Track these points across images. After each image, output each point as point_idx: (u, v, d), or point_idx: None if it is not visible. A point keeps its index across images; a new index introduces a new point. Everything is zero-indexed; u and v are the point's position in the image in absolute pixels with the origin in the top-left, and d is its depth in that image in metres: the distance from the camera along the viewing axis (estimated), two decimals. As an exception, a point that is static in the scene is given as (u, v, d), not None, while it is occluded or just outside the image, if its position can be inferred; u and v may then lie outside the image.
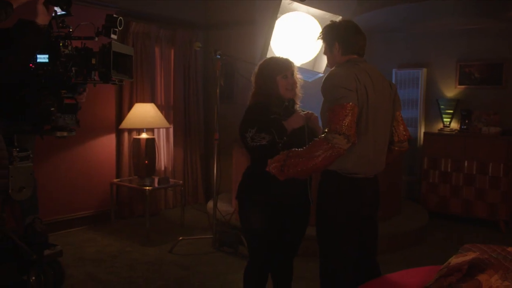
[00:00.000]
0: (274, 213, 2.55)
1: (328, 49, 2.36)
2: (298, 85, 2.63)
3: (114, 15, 2.52)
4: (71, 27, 2.50)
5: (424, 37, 6.29)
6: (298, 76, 2.63)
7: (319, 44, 4.31)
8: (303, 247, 2.85)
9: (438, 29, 6.11)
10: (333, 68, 2.29)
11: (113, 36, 2.52)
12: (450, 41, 6.07)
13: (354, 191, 2.25)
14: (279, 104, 2.55)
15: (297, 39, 4.19)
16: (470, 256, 1.82)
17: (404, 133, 2.45)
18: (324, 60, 4.34)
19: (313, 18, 4.26)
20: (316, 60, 4.41)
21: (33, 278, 3.05)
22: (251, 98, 2.64)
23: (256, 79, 2.62)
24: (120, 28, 2.53)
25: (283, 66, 2.57)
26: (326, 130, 2.09)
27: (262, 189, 2.51)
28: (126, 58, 2.59)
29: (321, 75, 4.29)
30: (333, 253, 2.28)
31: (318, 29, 4.24)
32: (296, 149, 2.16)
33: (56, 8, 2.36)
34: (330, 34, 2.33)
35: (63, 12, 2.40)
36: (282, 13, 4.18)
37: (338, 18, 4.26)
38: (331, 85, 2.15)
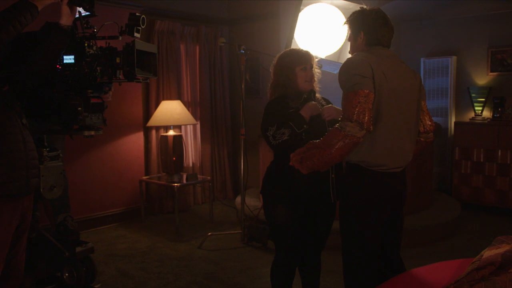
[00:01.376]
0: (298, 207, 2.53)
1: (353, 37, 2.30)
2: (316, 78, 2.61)
3: (137, 14, 2.53)
4: (95, 27, 2.53)
5: (452, 23, 6.12)
6: (317, 70, 2.62)
7: (343, 36, 4.26)
8: (333, 241, 2.83)
9: (467, 14, 5.93)
10: (349, 57, 2.22)
11: (136, 34, 2.54)
12: (480, 27, 5.88)
13: (377, 186, 2.19)
14: (298, 96, 2.54)
15: (321, 31, 4.14)
16: (503, 248, 1.76)
17: (430, 123, 2.37)
18: (349, 51, 4.29)
19: (337, 9, 4.20)
20: (341, 51, 4.34)
21: (66, 274, 3.12)
22: (270, 90, 2.65)
23: (275, 70, 2.61)
24: (143, 27, 2.55)
25: (303, 58, 2.55)
26: (340, 118, 2.05)
27: (286, 183, 2.49)
28: (150, 56, 2.60)
29: (346, 66, 4.23)
30: (356, 249, 2.23)
31: (342, 20, 4.17)
32: (315, 140, 2.12)
33: (80, 9, 2.39)
34: (357, 21, 2.27)
35: (88, 13, 2.43)
36: (306, 5, 4.13)
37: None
38: (345, 72, 2.09)
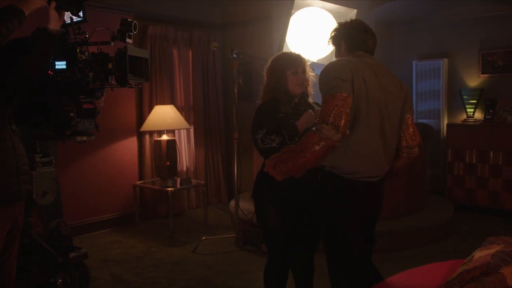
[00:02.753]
0: (289, 210, 2.54)
1: (336, 49, 2.33)
2: (310, 82, 2.62)
3: (129, 19, 2.54)
4: (87, 33, 2.54)
5: (444, 26, 6.17)
6: (310, 73, 2.61)
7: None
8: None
9: (458, 17, 5.98)
10: (326, 65, 2.21)
11: (128, 40, 2.55)
12: (471, 29, 5.93)
13: (348, 194, 2.15)
14: (289, 101, 2.54)
15: (313, 35, 4.16)
16: (494, 249, 1.77)
17: (414, 138, 2.28)
18: (341, 55, 4.32)
19: (328, 13, 4.22)
20: (333, 55, 4.35)
21: (60, 280, 3.11)
22: (262, 93, 2.66)
23: (267, 74, 2.62)
24: (135, 32, 2.56)
25: (294, 62, 2.55)
26: (318, 120, 2.03)
27: (276, 187, 2.48)
28: (142, 61, 2.61)
29: (338, 69, 4.25)
30: (338, 255, 2.21)
31: (333, 23, 4.20)
32: (291, 145, 2.12)
33: (72, 16, 2.39)
34: (337, 33, 2.31)
35: (80, 19, 2.43)
36: (297, 9, 4.15)
37: (353, 12, 4.24)
38: (325, 75, 2.09)
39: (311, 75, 2.62)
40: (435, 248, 4.27)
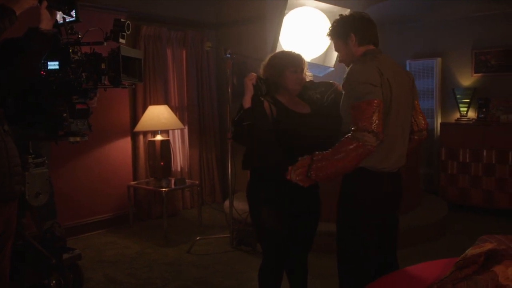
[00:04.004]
0: (284, 209, 2.52)
1: (343, 43, 2.28)
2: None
3: (122, 20, 2.53)
4: (80, 33, 2.53)
5: (437, 26, 6.19)
6: (308, 73, 2.60)
7: (328, 39, 4.30)
8: (319, 243, 2.84)
9: (451, 17, 6.01)
10: (354, 64, 2.20)
11: (121, 40, 2.54)
12: (464, 29, 5.96)
13: (376, 185, 2.22)
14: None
15: (306, 34, 4.17)
16: (486, 247, 1.78)
17: (424, 122, 2.42)
18: (334, 54, 4.32)
19: (321, 12, 4.23)
20: (326, 54, 4.38)
21: (53, 282, 3.09)
22: None
23: (265, 70, 2.58)
24: (128, 32, 2.54)
25: (294, 61, 2.52)
26: (352, 128, 2.01)
27: (271, 186, 2.49)
28: (136, 62, 2.60)
29: (331, 69, 4.26)
30: (353, 249, 2.25)
31: (326, 23, 4.22)
32: (319, 152, 2.09)
33: (65, 16, 2.38)
34: (343, 26, 2.26)
35: (72, 19, 2.42)
36: (290, 9, 4.16)
37: (346, 11, 4.23)
38: (355, 82, 2.07)
39: (308, 75, 2.61)
40: (429, 247, 4.29)
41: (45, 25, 2.15)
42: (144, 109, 5.26)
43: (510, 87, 5.63)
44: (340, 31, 2.27)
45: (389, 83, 2.10)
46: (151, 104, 5.31)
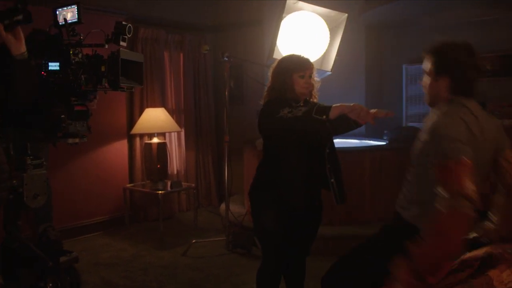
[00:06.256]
0: (286, 211, 2.53)
1: (433, 75, 1.97)
2: (315, 87, 2.63)
3: (124, 22, 2.53)
4: (82, 35, 2.52)
5: (434, 30, 6.22)
6: (316, 78, 2.62)
7: (326, 43, 4.31)
8: (315, 246, 2.85)
9: (448, 22, 6.04)
10: (441, 115, 1.86)
11: (122, 43, 2.54)
12: (461, 34, 5.88)
13: None
14: (296, 101, 2.50)
15: (303, 38, 4.17)
16: (482, 250, 1.79)
17: None
18: (332, 58, 4.33)
19: (319, 17, 4.24)
20: (323, 58, 4.38)
21: (50, 285, 3.08)
22: (266, 93, 2.62)
23: (273, 74, 2.59)
24: (129, 35, 2.55)
25: (303, 65, 2.53)
26: (442, 192, 1.66)
27: (275, 187, 2.50)
28: (136, 65, 2.60)
29: (328, 73, 4.27)
30: None
31: (324, 27, 4.23)
32: (412, 242, 1.65)
33: (66, 17, 2.39)
34: (443, 60, 1.95)
35: (74, 20, 2.42)
36: (288, 13, 4.17)
37: (344, 16, 4.26)
38: (443, 137, 1.77)
39: (316, 79, 2.63)
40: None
41: (16, 49, 2.04)
42: (141, 111, 5.26)
43: (505, 92, 5.67)
44: (436, 62, 1.97)
45: (474, 138, 1.83)
46: (148, 106, 5.31)
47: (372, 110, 2.22)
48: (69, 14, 2.45)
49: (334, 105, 2.16)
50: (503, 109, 5.58)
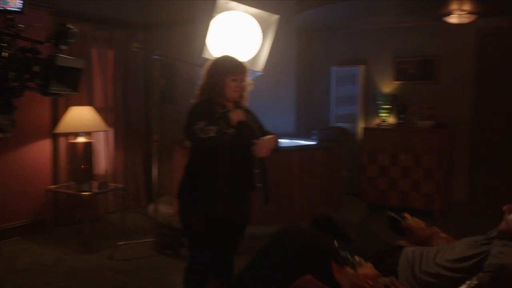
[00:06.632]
0: (213, 212, 2.54)
1: None
2: (246, 90, 2.67)
3: (68, 26, 2.38)
4: (21, 27, 2.34)
5: (361, 35, 6.46)
6: (248, 81, 2.66)
7: (257, 44, 4.34)
8: (243, 246, 2.87)
9: (375, 26, 6.29)
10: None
11: (63, 47, 2.39)
12: (387, 38, 6.27)
13: None
14: (223, 105, 2.56)
15: (234, 38, 4.18)
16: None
17: None
18: (263, 59, 4.38)
19: (251, 17, 4.27)
20: (255, 59, 4.42)
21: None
22: (198, 92, 2.64)
23: (206, 74, 2.61)
24: (71, 41, 2.40)
25: (236, 69, 2.57)
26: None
27: (204, 189, 2.50)
28: (74, 71, 2.45)
29: (260, 73, 4.31)
30: None
31: (256, 28, 4.26)
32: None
33: (4, 4, 2.21)
34: None
35: (16, 9, 2.25)
36: (219, 13, 4.16)
37: (275, 17, 4.32)
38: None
39: (249, 82, 2.67)
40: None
41: None
42: (66, 110, 5.03)
43: (425, 95, 5.99)
44: None
45: None
46: (73, 105, 5.09)
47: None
48: (11, 1, 2.27)
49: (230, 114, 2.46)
50: (424, 111, 5.89)
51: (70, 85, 2.41)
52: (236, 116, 2.50)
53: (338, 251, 1.85)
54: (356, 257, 1.85)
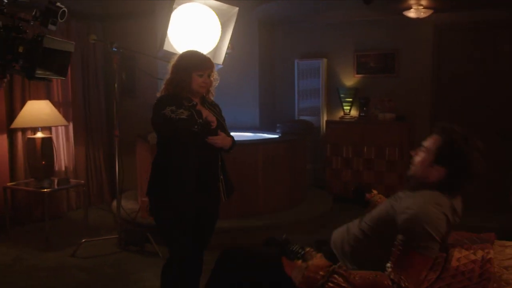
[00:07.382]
0: (187, 205, 2.55)
1: (428, 161, 1.97)
2: (212, 85, 2.68)
3: (58, 4, 2.24)
4: (5, 2, 2.17)
5: (323, 28, 6.51)
6: (215, 76, 2.67)
7: (217, 36, 4.30)
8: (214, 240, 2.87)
9: (337, 20, 6.35)
10: (428, 203, 1.84)
11: (51, 26, 2.24)
12: (348, 32, 6.34)
13: None
14: (189, 99, 2.56)
15: (195, 31, 4.13)
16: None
17: None
18: (223, 52, 4.34)
19: (210, 9, 4.22)
20: (215, 51, 4.38)
21: None
22: (164, 86, 2.64)
23: (173, 69, 2.61)
24: (61, 20, 2.27)
25: (203, 65, 2.58)
26: (390, 269, 1.75)
27: (174, 182, 2.50)
28: (62, 54, 2.32)
29: (220, 66, 4.27)
30: None
31: (215, 20, 4.22)
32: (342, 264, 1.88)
33: None
34: (448, 150, 1.92)
35: None
36: (179, 5, 4.10)
37: (235, 10, 4.29)
38: (423, 224, 1.76)
39: (216, 78, 2.68)
40: (314, 239, 4.48)
41: None
42: (23, 104, 4.86)
43: (386, 88, 6.10)
44: (440, 152, 1.94)
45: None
46: (30, 99, 4.93)
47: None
48: None
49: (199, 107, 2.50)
50: (385, 104, 6.01)
51: (58, 70, 2.26)
52: (203, 111, 2.52)
53: (287, 245, 1.86)
54: (307, 248, 1.86)
